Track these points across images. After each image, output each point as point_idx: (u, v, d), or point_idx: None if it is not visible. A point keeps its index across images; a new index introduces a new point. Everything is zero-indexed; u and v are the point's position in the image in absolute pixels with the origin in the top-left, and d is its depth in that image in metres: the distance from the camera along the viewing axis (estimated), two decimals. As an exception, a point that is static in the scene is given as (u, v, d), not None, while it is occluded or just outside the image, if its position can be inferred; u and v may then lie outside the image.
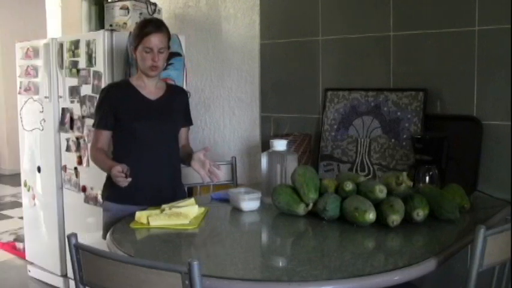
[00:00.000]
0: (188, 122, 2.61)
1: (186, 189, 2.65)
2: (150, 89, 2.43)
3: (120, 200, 2.37)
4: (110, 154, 2.45)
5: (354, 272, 1.50)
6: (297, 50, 3.14)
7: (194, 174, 2.77)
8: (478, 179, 2.50)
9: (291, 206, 2.06)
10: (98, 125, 2.41)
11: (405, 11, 2.73)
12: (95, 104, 2.58)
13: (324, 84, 3.04)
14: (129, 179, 2.15)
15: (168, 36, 2.41)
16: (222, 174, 2.31)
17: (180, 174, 2.54)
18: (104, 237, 2.38)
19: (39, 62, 3.52)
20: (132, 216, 2.05)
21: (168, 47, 2.44)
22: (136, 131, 2.36)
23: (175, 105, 2.50)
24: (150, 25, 2.35)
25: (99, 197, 3.07)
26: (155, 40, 2.33)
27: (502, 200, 2.38)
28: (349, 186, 2.00)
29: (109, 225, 2.28)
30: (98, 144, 2.40)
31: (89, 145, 3.16)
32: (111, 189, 2.43)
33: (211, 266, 1.59)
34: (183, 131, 2.56)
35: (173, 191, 2.46)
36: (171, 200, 2.25)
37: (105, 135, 2.40)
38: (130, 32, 3.09)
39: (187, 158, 2.44)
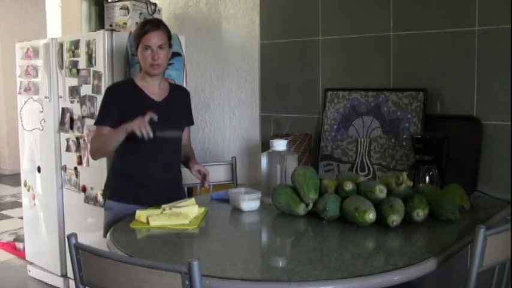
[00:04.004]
0: (189, 121, 2.63)
1: (186, 190, 2.66)
2: (154, 89, 2.43)
3: (123, 199, 2.38)
4: (112, 154, 2.45)
5: (354, 272, 1.50)
6: (297, 50, 3.14)
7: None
8: (478, 179, 2.50)
9: (291, 206, 2.06)
10: (101, 122, 2.39)
11: (405, 11, 2.73)
12: (97, 103, 2.57)
13: (324, 84, 3.04)
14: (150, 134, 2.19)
15: (168, 35, 2.42)
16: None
17: (181, 175, 2.54)
18: (105, 236, 2.38)
19: (39, 62, 3.52)
20: (132, 216, 2.05)
21: (170, 45, 2.44)
22: None
23: (179, 105, 2.51)
24: (149, 24, 2.37)
25: (99, 197, 3.07)
26: (154, 38, 2.33)
27: (502, 200, 2.38)
28: (349, 186, 1.99)
29: (111, 224, 2.29)
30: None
31: (89, 145, 3.17)
32: (113, 189, 2.44)
33: (211, 266, 1.59)
34: (185, 130, 2.57)
35: (175, 191, 2.46)
36: (172, 199, 2.26)
37: (107, 131, 2.37)
38: (130, 32, 3.09)
39: (186, 160, 2.49)
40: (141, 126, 2.18)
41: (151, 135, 2.19)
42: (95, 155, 2.45)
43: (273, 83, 3.29)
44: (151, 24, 2.37)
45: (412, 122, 2.65)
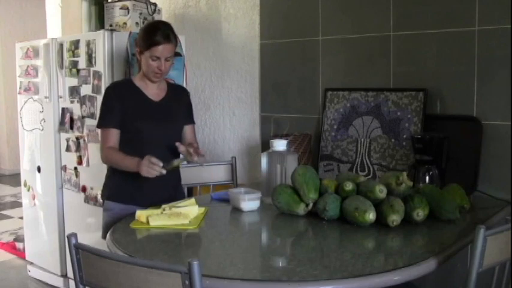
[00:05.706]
0: (190, 120, 2.59)
1: (186, 190, 2.65)
2: (153, 89, 2.43)
3: (121, 199, 2.38)
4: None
5: (354, 272, 1.50)
6: (297, 50, 3.14)
7: (194, 174, 2.77)
8: (478, 179, 2.50)
9: (291, 206, 2.06)
10: (105, 124, 2.37)
11: (405, 11, 2.73)
12: (98, 103, 2.57)
13: (324, 84, 3.04)
14: (163, 171, 2.15)
15: (176, 44, 2.40)
16: (204, 159, 2.31)
17: (180, 175, 2.54)
18: (104, 237, 2.38)
19: (39, 62, 3.52)
20: (132, 216, 2.06)
21: (175, 53, 2.43)
22: (139, 132, 2.36)
23: (178, 105, 2.49)
24: (159, 34, 2.31)
25: (99, 197, 3.07)
26: (164, 50, 2.31)
27: (502, 200, 2.38)
28: (349, 186, 2.00)
29: (109, 225, 2.29)
30: (108, 143, 2.35)
31: (93, 145, 3.17)
32: (112, 189, 2.43)
33: (211, 266, 1.59)
34: (187, 129, 2.54)
35: (173, 191, 2.46)
36: (171, 199, 2.26)
37: (114, 133, 2.35)
38: (130, 32, 3.09)
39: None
40: (150, 171, 2.16)
41: (163, 172, 2.16)
42: (108, 164, 2.44)
43: (273, 83, 3.29)
44: (163, 36, 2.31)
45: (412, 122, 2.65)
